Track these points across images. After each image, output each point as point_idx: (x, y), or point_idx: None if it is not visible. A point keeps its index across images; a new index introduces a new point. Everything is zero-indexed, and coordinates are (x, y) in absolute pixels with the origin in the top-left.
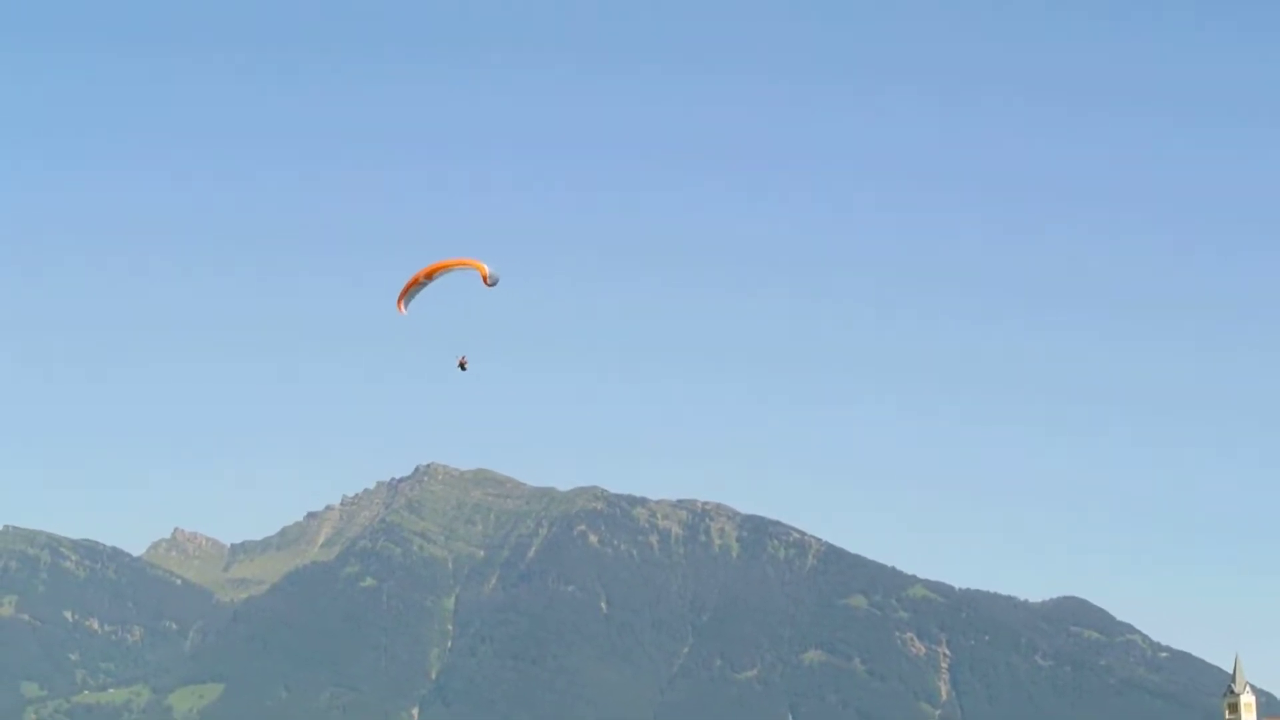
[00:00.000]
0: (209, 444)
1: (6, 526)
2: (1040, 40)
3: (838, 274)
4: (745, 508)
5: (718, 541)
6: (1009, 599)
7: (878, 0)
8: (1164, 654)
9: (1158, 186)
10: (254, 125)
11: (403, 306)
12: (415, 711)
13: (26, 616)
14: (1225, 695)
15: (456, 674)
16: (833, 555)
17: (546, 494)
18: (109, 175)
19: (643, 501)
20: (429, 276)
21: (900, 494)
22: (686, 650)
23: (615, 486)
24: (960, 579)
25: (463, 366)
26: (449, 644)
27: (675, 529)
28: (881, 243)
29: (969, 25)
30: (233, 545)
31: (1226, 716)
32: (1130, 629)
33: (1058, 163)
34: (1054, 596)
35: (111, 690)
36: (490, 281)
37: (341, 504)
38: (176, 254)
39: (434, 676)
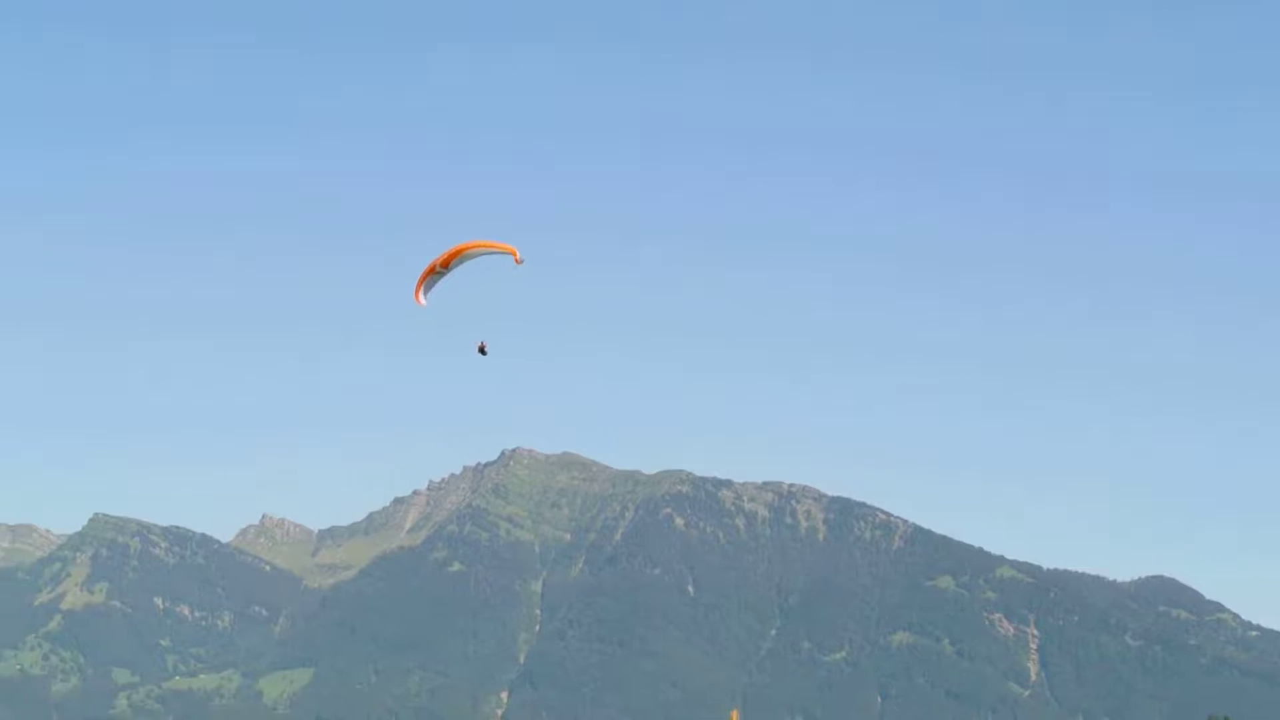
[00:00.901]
0: (297, 431)
1: (97, 514)
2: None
3: (921, 262)
4: (831, 489)
5: (804, 523)
6: (1097, 578)
7: None
8: (1254, 633)
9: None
10: (356, 116)
11: (420, 297)
12: (504, 695)
13: (118, 603)
14: None
15: (544, 657)
16: (919, 536)
17: (632, 477)
18: (213, 163)
19: (728, 484)
20: (445, 265)
21: (987, 474)
22: (774, 633)
23: (701, 469)
24: (1048, 559)
25: (482, 351)
26: (536, 628)
27: (761, 511)
28: (963, 232)
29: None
30: (320, 531)
31: None
32: (1220, 608)
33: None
34: (1143, 575)
35: (202, 676)
36: (520, 261)
37: (428, 489)
38: (263, 245)
39: (522, 660)
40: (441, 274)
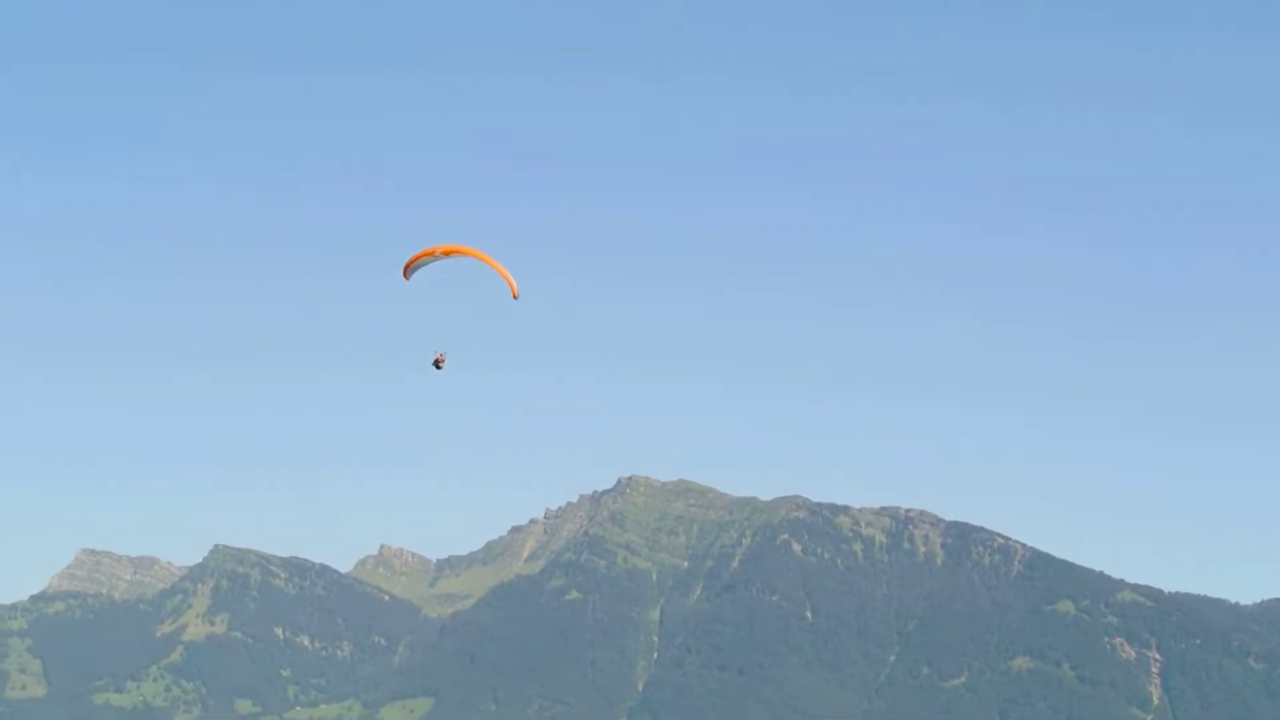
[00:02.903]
0: (414, 460)
1: (217, 546)
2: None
3: (1034, 292)
4: (949, 514)
5: (922, 548)
6: (1220, 601)
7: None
8: None
9: None
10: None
11: (407, 274)
12: None
13: (239, 634)
14: None
15: (663, 685)
16: (1039, 561)
17: (749, 504)
18: (320, 190)
19: (845, 509)
20: (446, 254)
21: (1106, 498)
22: (893, 658)
23: (817, 495)
24: (1169, 582)
25: (438, 365)
26: (655, 655)
27: (879, 536)
28: (1070, 264)
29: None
30: (438, 560)
31: None
32: None
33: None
34: (1266, 598)
35: (323, 705)
36: (516, 296)
37: (545, 517)
38: (375, 273)
39: (640, 688)
40: (437, 260)
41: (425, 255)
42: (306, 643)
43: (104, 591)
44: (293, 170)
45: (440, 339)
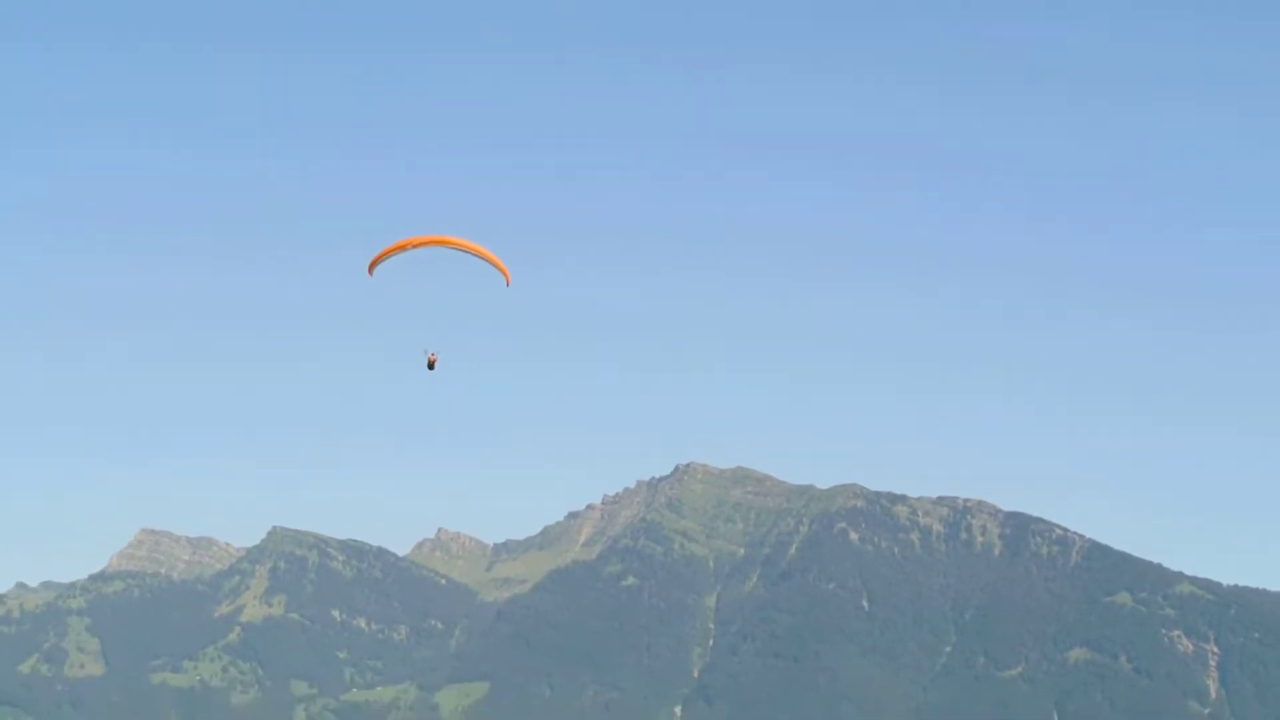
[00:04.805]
0: (472, 445)
1: (275, 528)
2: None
3: (1095, 281)
4: (1007, 504)
5: (980, 539)
6: (1279, 595)
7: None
8: None
9: None
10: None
11: (372, 269)
12: (678, 710)
13: (296, 616)
14: None
15: (718, 672)
16: (1097, 552)
17: (806, 491)
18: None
19: (903, 499)
20: (417, 246)
21: (1165, 489)
22: (949, 648)
23: (875, 484)
24: (1228, 575)
25: (431, 365)
26: (710, 642)
27: (936, 526)
28: (1137, 251)
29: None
30: (495, 545)
31: None
32: None
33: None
34: None
35: (379, 688)
36: (509, 282)
37: (602, 503)
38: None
39: (696, 675)
40: (407, 252)
41: (395, 249)
42: (363, 625)
43: (162, 571)
44: (342, 149)
45: (489, 328)
